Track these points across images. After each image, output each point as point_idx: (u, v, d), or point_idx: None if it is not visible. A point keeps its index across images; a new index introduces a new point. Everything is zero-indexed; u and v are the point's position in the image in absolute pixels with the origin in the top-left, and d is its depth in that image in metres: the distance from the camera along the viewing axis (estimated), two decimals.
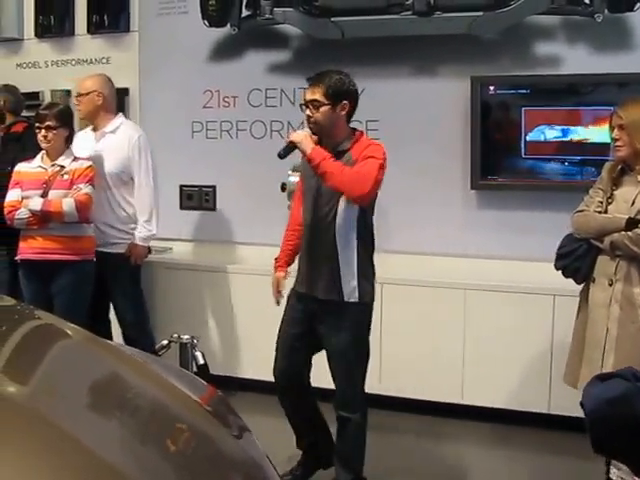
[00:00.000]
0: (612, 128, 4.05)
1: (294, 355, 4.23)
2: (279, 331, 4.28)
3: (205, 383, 2.80)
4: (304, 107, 4.01)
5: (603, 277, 4.02)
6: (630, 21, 5.20)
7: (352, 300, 4.02)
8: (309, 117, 3.98)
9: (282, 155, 4.02)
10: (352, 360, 4.11)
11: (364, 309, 4.10)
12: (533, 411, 5.15)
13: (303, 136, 3.94)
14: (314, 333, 4.14)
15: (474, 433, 5.21)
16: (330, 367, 4.16)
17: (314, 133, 3.97)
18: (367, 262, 4.09)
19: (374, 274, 4.13)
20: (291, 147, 3.98)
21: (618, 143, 4.01)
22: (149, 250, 5.55)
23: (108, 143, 5.39)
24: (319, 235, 4.04)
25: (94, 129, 5.45)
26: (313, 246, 4.09)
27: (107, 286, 5.46)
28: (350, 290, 4.01)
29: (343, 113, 3.98)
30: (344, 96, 3.96)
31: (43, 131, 5.03)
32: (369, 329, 4.14)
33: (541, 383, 5.07)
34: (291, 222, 4.40)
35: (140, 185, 5.39)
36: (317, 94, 3.93)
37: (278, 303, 4.36)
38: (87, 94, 5.38)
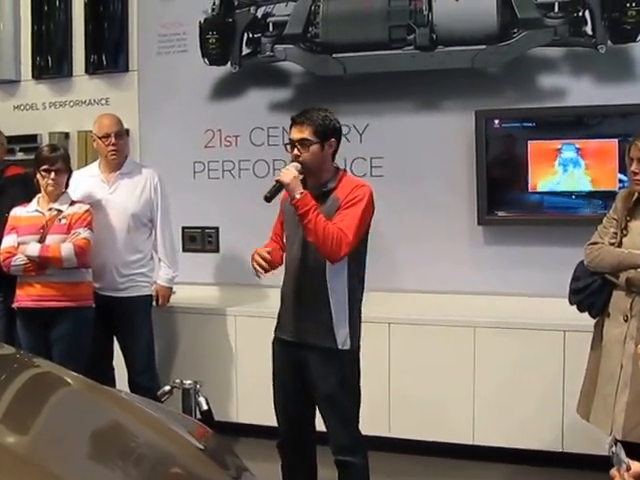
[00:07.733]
0: (631, 160, 3.97)
1: (297, 413, 4.12)
2: (273, 387, 4.17)
3: (207, 428, 2.78)
4: (290, 146, 3.95)
5: (618, 312, 3.97)
6: (633, 51, 5.20)
7: (345, 348, 3.94)
8: (297, 157, 3.89)
9: (269, 198, 3.88)
10: (344, 405, 4.01)
11: (355, 354, 4.03)
12: (546, 450, 5.06)
13: (292, 177, 3.79)
14: (305, 381, 4.04)
15: (486, 474, 5.12)
16: (322, 413, 4.07)
17: (300, 173, 3.86)
18: (357, 305, 4.01)
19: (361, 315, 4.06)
20: (279, 188, 3.85)
21: (639, 177, 3.93)
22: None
23: (126, 185, 5.29)
24: (309, 282, 3.95)
25: (110, 170, 5.29)
26: (302, 293, 3.97)
27: (116, 332, 5.36)
28: (344, 338, 3.94)
29: (330, 151, 3.96)
30: (332, 134, 3.95)
31: (53, 174, 4.91)
32: (359, 373, 4.05)
33: (554, 421, 4.99)
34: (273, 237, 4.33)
35: (162, 227, 5.37)
36: (306, 132, 3.87)
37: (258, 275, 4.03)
38: (126, 135, 5.35)
